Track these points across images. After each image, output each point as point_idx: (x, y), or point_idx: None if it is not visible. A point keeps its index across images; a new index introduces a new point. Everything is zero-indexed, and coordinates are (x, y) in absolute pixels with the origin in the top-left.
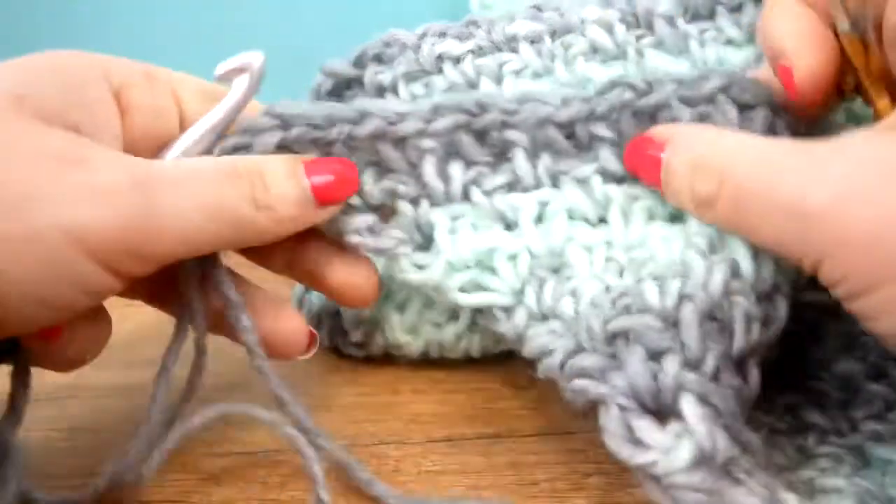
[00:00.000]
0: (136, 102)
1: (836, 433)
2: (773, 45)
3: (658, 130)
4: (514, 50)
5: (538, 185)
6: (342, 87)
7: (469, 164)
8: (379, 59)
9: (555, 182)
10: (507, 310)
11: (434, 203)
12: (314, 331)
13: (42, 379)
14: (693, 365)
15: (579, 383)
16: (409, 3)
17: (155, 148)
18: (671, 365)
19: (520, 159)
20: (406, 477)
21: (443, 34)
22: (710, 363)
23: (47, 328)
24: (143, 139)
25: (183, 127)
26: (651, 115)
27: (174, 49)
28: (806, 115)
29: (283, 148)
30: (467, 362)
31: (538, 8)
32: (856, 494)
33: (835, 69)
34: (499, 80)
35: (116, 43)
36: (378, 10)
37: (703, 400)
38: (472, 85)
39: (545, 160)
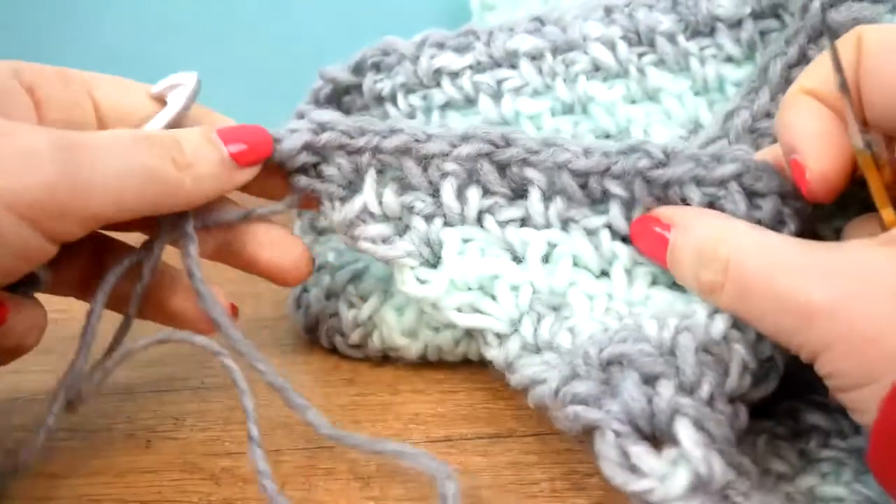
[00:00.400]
0: (47, 96)
1: (838, 435)
2: (789, 140)
3: (665, 212)
4: (514, 66)
5: (548, 225)
6: (341, 93)
7: (487, 192)
8: (377, 67)
9: (564, 226)
10: (501, 337)
11: (447, 223)
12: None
13: (42, 379)
14: (688, 390)
15: (573, 409)
16: (410, 3)
17: None
18: (666, 389)
19: (534, 198)
20: (406, 477)
21: (441, 45)
22: (705, 389)
23: None
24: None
25: (100, 118)
26: (663, 186)
27: (174, 49)
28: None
29: (309, 150)
30: (467, 362)
31: (539, 20)
32: (856, 503)
33: (848, 171)
34: (497, 97)
35: (116, 43)
36: (379, 10)
37: (699, 425)
38: (470, 101)
39: (558, 203)
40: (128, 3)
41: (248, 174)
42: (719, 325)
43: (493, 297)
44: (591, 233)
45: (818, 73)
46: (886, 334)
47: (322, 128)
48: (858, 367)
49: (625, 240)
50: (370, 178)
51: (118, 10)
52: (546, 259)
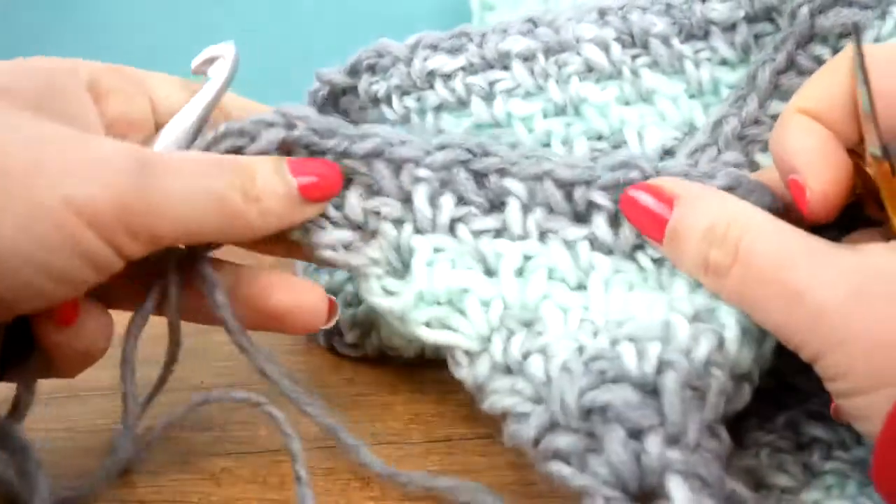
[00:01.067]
0: (106, 88)
1: (840, 446)
2: (787, 160)
3: (668, 185)
4: (507, 67)
5: (525, 236)
6: (338, 95)
7: (462, 201)
8: (372, 69)
9: (542, 237)
10: (470, 355)
11: (418, 229)
12: (333, 298)
13: (42, 382)
14: (675, 439)
15: (558, 470)
16: (409, 3)
17: (130, 132)
18: (654, 444)
19: (513, 208)
20: None
21: (434, 47)
22: (691, 435)
23: (63, 308)
24: (119, 122)
25: (156, 112)
26: None
27: (173, 49)
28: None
29: (283, 146)
30: None
31: (532, 22)
32: None
33: (847, 189)
34: (489, 98)
35: (114, 43)
36: (379, 11)
37: (689, 475)
38: (463, 103)
39: (537, 214)
40: (128, 2)
41: (314, 210)
42: (703, 346)
43: (463, 313)
44: (569, 245)
45: (813, 91)
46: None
47: (293, 123)
48: (866, 371)
49: (606, 251)
50: None
51: (119, 9)
52: (520, 272)
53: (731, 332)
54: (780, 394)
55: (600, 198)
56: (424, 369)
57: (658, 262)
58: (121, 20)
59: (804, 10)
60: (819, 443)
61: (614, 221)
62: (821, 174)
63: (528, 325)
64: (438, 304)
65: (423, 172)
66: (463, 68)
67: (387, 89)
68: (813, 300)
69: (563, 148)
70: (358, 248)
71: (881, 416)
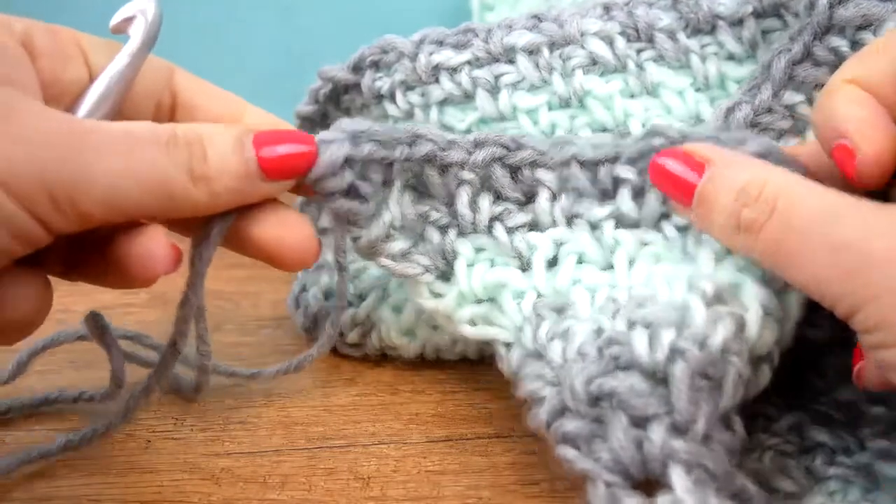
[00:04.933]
0: (40, 48)
1: (843, 452)
2: (835, 126)
3: (700, 149)
4: (512, 61)
5: (554, 223)
6: (340, 92)
7: (498, 198)
8: (376, 65)
9: (570, 223)
10: (508, 346)
11: (461, 233)
12: (318, 239)
13: (42, 379)
14: (682, 429)
15: (565, 452)
16: (409, 3)
17: (64, 94)
18: (657, 433)
19: (542, 198)
20: (406, 477)
21: (440, 42)
22: (700, 425)
23: None
24: (53, 85)
25: (91, 77)
26: None
27: (172, 49)
28: None
29: (350, 165)
30: (467, 362)
31: (537, 18)
32: None
33: (894, 159)
34: (494, 92)
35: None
36: (379, 11)
37: (693, 467)
38: (468, 96)
39: (563, 200)
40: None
41: (277, 188)
42: (719, 334)
43: (500, 307)
44: (594, 226)
45: (863, 63)
46: None
47: (359, 138)
48: None
49: (630, 226)
50: (396, 191)
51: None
52: (552, 262)
53: (753, 315)
54: (787, 391)
55: (625, 171)
56: (424, 369)
57: (683, 230)
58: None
59: (823, 0)
60: (823, 448)
61: (639, 194)
62: (873, 138)
63: (559, 310)
64: (480, 302)
65: (466, 175)
66: (469, 62)
67: (391, 85)
68: (860, 249)
69: None
70: (411, 256)
71: None
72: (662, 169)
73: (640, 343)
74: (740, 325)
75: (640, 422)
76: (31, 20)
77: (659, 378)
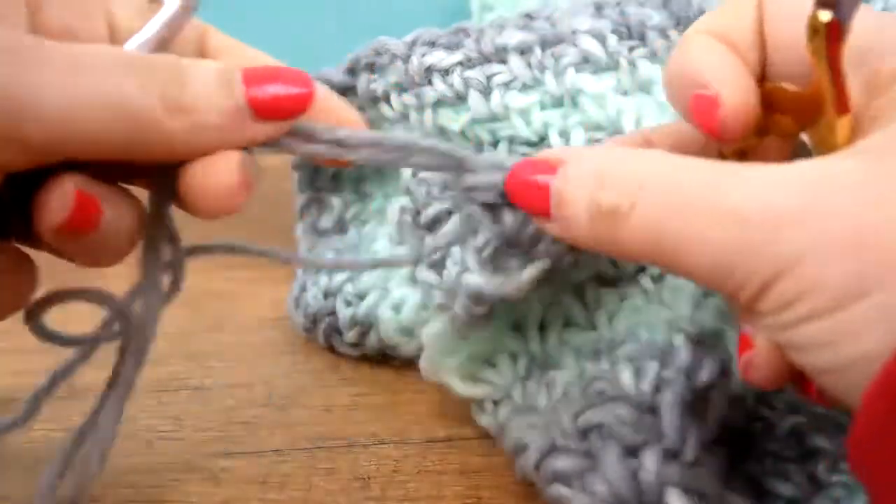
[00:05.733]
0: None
1: (844, 458)
2: (690, 75)
3: (550, 151)
4: (504, 61)
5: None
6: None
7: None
8: (371, 67)
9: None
10: (496, 403)
11: None
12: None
13: (42, 379)
14: (674, 455)
15: (558, 490)
16: (409, 3)
17: None
18: (650, 460)
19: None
20: (406, 477)
21: (432, 43)
22: (689, 450)
23: None
24: (65, 36)
25: (114, 39)
26: None
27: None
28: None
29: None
30: None
31: (529, 17)
32: None
33: (757, 110)
34: (487, 92)
35: None
36: (379, 11)
37: (690, 490)
38: (461, 97)
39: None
40: None
41: (266, 130)
42: (705, 373)
43: (494, 366)
44: (577, 288)
45: (717, 17)
46: (881, 239)
47: None
48: (842, 276)
49: (609, 284)
50: None
51: None
52: (542, 326)
53: (737, 364)
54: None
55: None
56: None
57: (658, 279)
58: None
59: None
60: (823, 454)
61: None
62: (736, 85)
63: (543, 368)
64: (470, 359)
65: None
66: (460, 63)
67: (385, 87)
68: (764, 213)
69: (560, 139)
70: None
71: (866, 332)
72: (516, 182)
73: (625, 376)
74: (724, 369)
75: (632, 450)
76: None
77: (645, 408)
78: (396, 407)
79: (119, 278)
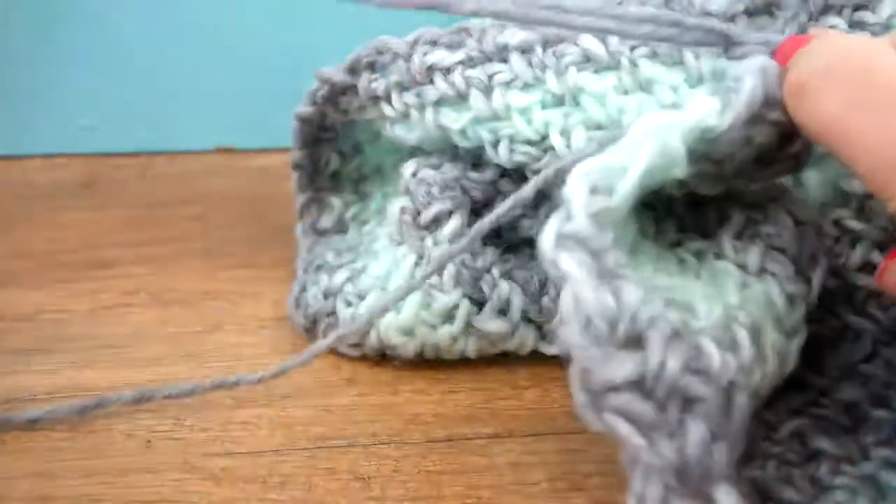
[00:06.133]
0: None
1: (847, 461)
2: None
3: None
4: (505, 60)
5: None
6: (337, 94)
7: None
8: (372, 66)
9: None
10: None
11: None
12: None
13: (42, 379)
14: (731, 455)
15: (629, 433)
16: None
17: None
18: (720, 453)
19: None
20: (406, 477)
21: (434, 42)
22: (736, 454)
23: None
24: None
25: None
26: None
27: (171, 48)
28: None
29: None
30: (467, 362)
31: None
32: None
33: None
34: (488, 91)
35: (112, 42)
36: (378, 11)
37: (735, 485)
38: (462, 96)
39: None
40: (130, 2)
41: None
42: (756, 378)
43: None
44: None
45: None
46: None
47: None
48: None
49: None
50: None
51: (118, 8)
52: None
53: (770, 367)
54: (787, 394)
55: None
56: (425, 369)
57: (698, 255)
58: (120, 20)
59: None
60: (827, 456)
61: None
62: None
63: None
64: None
65: None
66: (462, 62)
67: (386, 86)
68: None
69: (561, 139)
70: None
71: None
72: (782, 50)
73: (715, 359)
74: (764, 374)
75: (713, 438)
76: None
77: (723, 399)
78: (396, 407)
79: None
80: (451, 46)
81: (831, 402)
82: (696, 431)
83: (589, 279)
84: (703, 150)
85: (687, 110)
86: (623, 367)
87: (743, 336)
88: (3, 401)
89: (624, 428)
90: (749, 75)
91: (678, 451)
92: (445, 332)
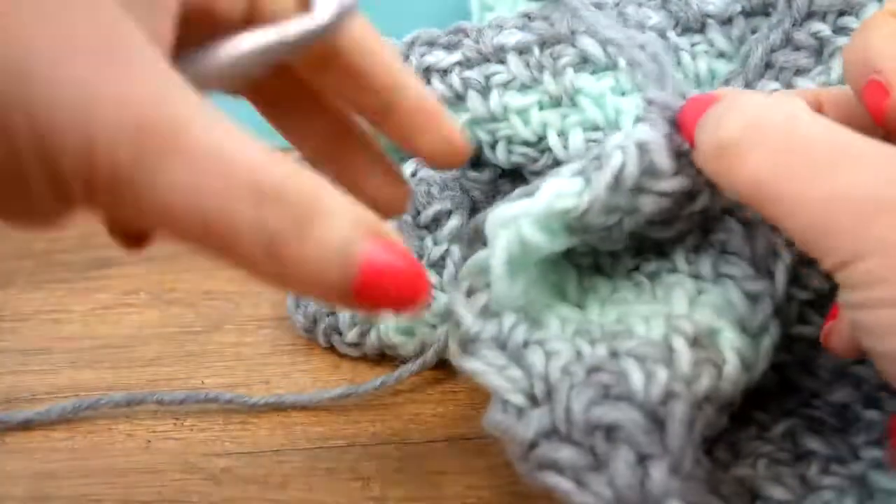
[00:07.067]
0: None
1: (837, 461)
2: (868, 61)
3: (717, 92)
4: (502, 61)
5: None
6: None
7: None
8: None
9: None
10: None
11: None
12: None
13: (42, 379)
14: (676, 469)
15: (558, 483)
16: (409, 3)
17: (211, 28)
18: (659, 472)
19: None
20: (406, 477)
21: (431, 43)
22: (687, 463)
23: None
24: (199, 11)
25: (255, 8)
26: None
27: None
28: None
29: None
30: None
31: (528, 17)
32: None
33: None
34: (485, 92)
35: None
36: (378, 11)
37: (687, 502)
38: (460, 97)
39: None
40: None
41: (355, 307)
42: (703, 383)
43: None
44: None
45: None
46: None
47: None
48: None
49: (605, 275)
50: None
51: None
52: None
53: (731, 368)
54: (780, 395)
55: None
56: (424, 369)
57: (652, 276)
58: None
59: None
60: (817, 456)
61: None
62: None
63: (532, 321)
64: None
65: None
66: (459, 63)
67: None
68: (866, 198)
69: (558, 139)
70: None
71: None
72: (684, 111)
73: (635, 378)
74: (718, 376)
75: (642, 459)
76: None
77: (655, 419)
78: (396, 407)
79: None
80: (449, 47)
81: (823, 403)
82: (620, 459)
83: (493, 367)
84: (577, 225)
85: (537, 196)
86: (533, 422)
87: (680, 344)
88: (3, 400)
89: (551, 478)
90: (617, 151)
91: (609, 483)
92: (445, 331)
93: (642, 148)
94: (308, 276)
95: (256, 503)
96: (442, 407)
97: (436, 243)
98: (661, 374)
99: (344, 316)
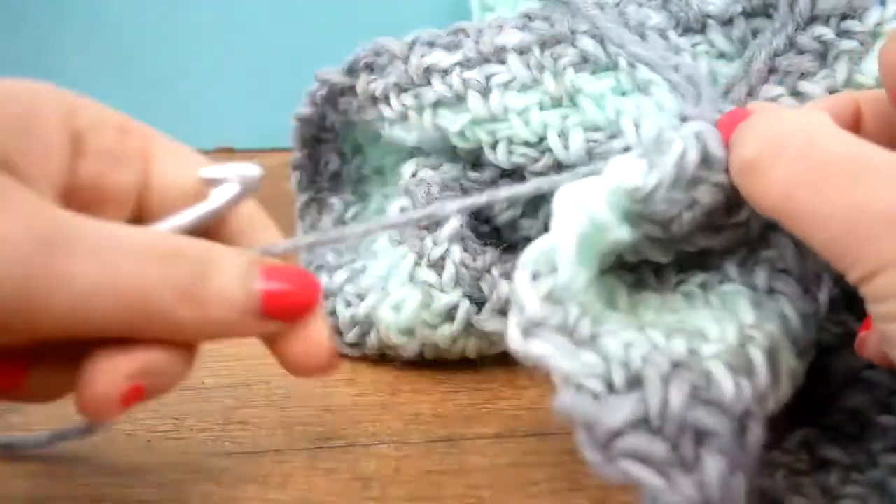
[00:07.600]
0: (93, 147)
1: (855, 469)
2: None
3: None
4: (503, 61)
5: None
6: (336, 94)
7: None
8: (370, 68)
9: None
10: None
11: None
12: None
13: None
14: (747, 485)
15: (646, 477)
16: (409, 3)
17: (105, 200)
18: (740, 483)
19: None
20: (406, 477)
21: (431, 43)
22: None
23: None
24: (91, 188)
25: (148, 190)
26: None
27: (171, 48)
28: None
29: None
30: (467, 362)
31: (528, 17)
32: None
33: None
34: (486, 93)
35: (111, 42)
36: (379, 11)
37: None
38: (460, 98)
39: None
40: (131, 2)
41: (269, 327)
42: (771, 403)
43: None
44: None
45: None
46: None
47: None
48: None
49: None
50: None
51: (117, 7)
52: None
53: (784, 388)
54: (792, 403)
55: None
56: (425, 369)
57: (703, 286)
58: (118, 18)
59: None
60: (836, 465)
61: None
62: None
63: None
64: None
65: None
66: (459, 63)
67: (384, 87)
68: (889, 211)
69: (559, 140)
70: None
71: None
72: (722, 123)
73: (727, 385)
74: (788, 389)
75: (732, 470)
76: (105, 116)
77: (741, 429)
78: (396, 407)
79: None
80: (449, 48)
81: (837, 409)
82: (713, 465)
83: (563, 351)
84: (641, 211)
85: (605, 174)
86: (621, 409)
87: (759, 358)
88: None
89: (638, 470)
90: (680, 138)
91: (699, 486)
92: (445, 331)
93: (699, 137)
94: (227, 313)
95: (256, 503)
96: (442, 407)
97: (436, 243)
98: (747, 388)
99: (344, 316)
